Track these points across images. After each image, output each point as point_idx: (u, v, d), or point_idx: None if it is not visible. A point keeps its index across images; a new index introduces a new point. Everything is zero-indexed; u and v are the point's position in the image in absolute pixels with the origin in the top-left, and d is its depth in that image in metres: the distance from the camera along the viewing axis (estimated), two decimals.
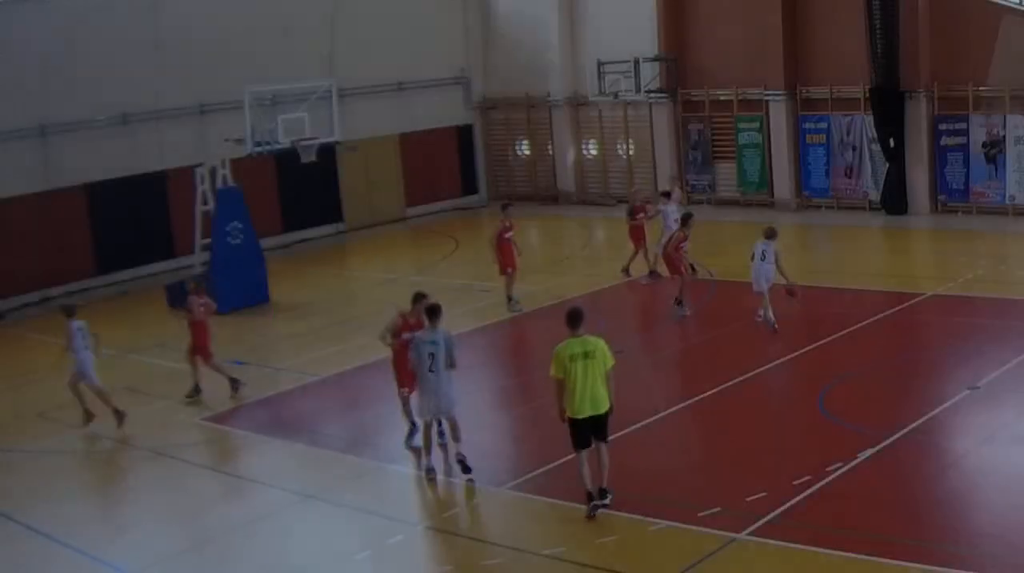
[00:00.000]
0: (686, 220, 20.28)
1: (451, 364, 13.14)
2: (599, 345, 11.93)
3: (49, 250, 25.67)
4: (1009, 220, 26.17)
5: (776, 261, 18.59)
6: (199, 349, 17.23)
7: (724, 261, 22.97)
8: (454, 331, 19.89)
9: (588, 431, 11.97)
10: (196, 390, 17.22)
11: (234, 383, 17.29)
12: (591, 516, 11.88)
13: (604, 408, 11.93)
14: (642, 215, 23.15)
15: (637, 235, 23.16)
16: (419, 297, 14.46)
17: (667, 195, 23.17)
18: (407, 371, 13.88)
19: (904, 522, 11.25)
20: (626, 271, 23.22)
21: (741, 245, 24.75)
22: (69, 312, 16.38)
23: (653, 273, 22.76)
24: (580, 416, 11.85)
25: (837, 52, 28.24)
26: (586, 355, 11.80)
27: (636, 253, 23.23)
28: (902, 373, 16.30)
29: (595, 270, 24.06)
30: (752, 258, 18.77)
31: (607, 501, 12.03)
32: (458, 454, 13.32)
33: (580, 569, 10.91)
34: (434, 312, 13.33)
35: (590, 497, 11.97)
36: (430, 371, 13.05)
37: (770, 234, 18.82)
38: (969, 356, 16.44)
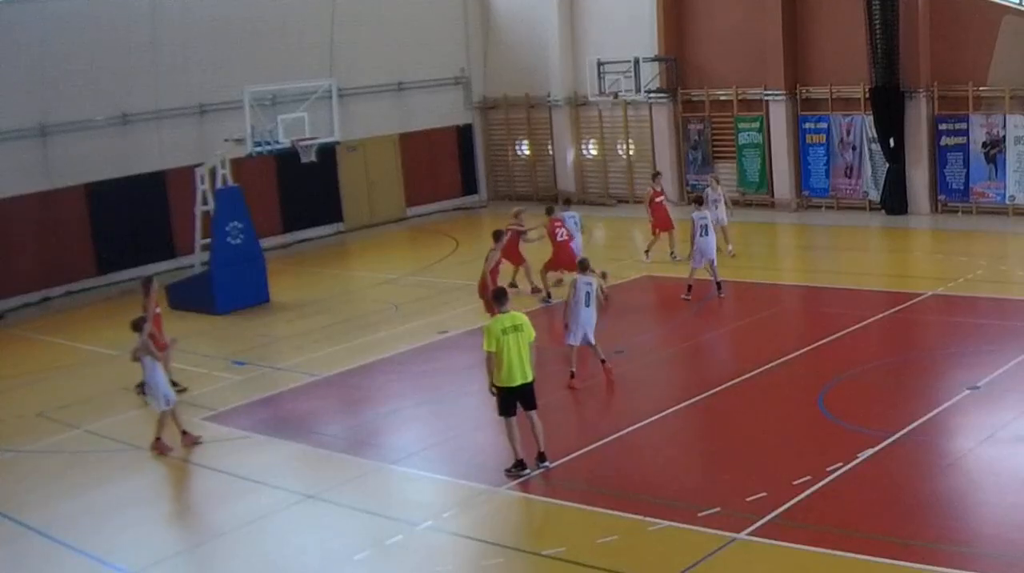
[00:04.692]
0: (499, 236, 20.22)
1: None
2: (524, 319, 13.21)
3: (49, 250, 25.67)
4: (1009, 220, 26.15)
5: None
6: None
7: (723, 260, 22.91)
8: (453, 331, 20.12)
9: (516, 399, 13.11)
10: None
11: None
12: (518, 476, 13.01)
13: (531, 377, 13.15)
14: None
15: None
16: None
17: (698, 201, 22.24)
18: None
19: (904, 522, 11.23)
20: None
21: (740, 245, 24.90)
22: None
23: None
24: (512, 385, 12.99)
25: (837, 52, 28.22)
26: (516, 328, 13.00)
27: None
28: (902, 373, 16.28)
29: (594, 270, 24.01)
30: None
31: (548, 464, 13.23)
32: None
33: (580, 569, 10.89)
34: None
35: (519, 464, 13.08)
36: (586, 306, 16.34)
37: (699, 201, 21.49)
38: (969, 356, 16.43)
